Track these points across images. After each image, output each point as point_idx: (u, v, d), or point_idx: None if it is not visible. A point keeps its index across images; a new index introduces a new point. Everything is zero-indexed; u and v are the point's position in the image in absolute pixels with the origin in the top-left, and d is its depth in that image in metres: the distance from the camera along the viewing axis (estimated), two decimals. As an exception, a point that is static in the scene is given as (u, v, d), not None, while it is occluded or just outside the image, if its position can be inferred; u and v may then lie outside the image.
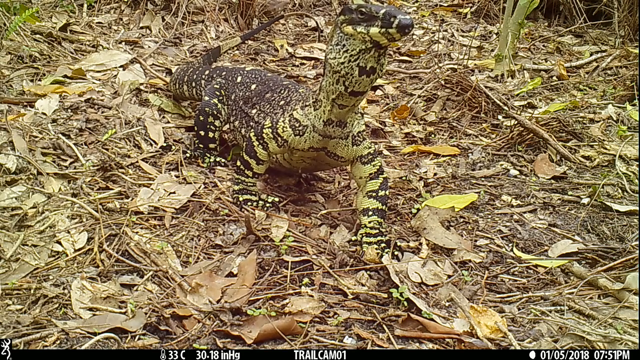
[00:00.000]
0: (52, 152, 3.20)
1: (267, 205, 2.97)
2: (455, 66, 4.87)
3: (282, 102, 3.08)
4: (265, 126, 2.90)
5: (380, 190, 2.82)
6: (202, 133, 3.45)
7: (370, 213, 2.79)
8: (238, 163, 2.99)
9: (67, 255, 2.57)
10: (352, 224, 2.95)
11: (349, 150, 2.83)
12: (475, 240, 2.89)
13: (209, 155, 3.42)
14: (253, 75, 3.47)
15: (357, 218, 2.91)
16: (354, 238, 2.80)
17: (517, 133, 3.75)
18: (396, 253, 2.70)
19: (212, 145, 3.47)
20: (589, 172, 3.48)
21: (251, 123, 3.23)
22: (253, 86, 3.35)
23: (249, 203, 2.97)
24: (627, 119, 3.96)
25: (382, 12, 2.33)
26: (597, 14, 5.79)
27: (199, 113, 3.45)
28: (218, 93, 3.45)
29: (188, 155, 3.41)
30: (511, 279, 2.65)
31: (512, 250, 2.83)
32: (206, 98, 3.46)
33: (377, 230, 2.76)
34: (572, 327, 2.25)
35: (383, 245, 2.70)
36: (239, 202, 2.98)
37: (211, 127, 3.44)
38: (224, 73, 3.63)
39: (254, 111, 3.26)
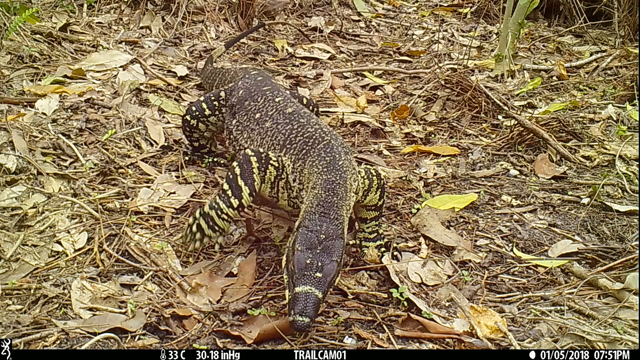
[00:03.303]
0: (52, 152, 3.20)
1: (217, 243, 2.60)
2: (455, 66, 4.87)
3: (257, 115, 2.87)
4: (271, 162, 2.56)
5: (378, 201, 2.72)
6: (191, 142, 3.38)
7: (369, 220, 2.77)
8: (225, 187, 2.53)
9: (67, 255, 2.58)
10: (355, 221, 2.95)
11: None
12: (475, 240, 2.89)
13: (207, 156, 3.40)
14: (246, 80, 3.28)
15: (355, 220, 2.90)
16: (352, 242, 2.80)
17: (517, 133, 3.75)
18: (395, 254, 2.70)
19: (203, 150, 3.40)
20: (589, 172, 3.48)
21: (230, 136, 3.03)
22: (241, 92, 3.17)
23: (198, 242, 2.58)
24: (627, 119, 3.96)
25: (294, 292, 2.10)
26: (597, 14, 5.79)
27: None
28: (213, 98, 3.26)
29: (187, 158, 3.38)
30: (511, 279, 2.65)
31: (512, 250, 2.83)
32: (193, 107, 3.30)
33: (376, 234, 2.76)
34: (572, 327, 2.25)
35: (383, 249, 2.71)
36: (194, 226, 2.59)
37: (194, 133, 3.30)
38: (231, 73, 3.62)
39: (234, 121, 3.04)
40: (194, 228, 2.58)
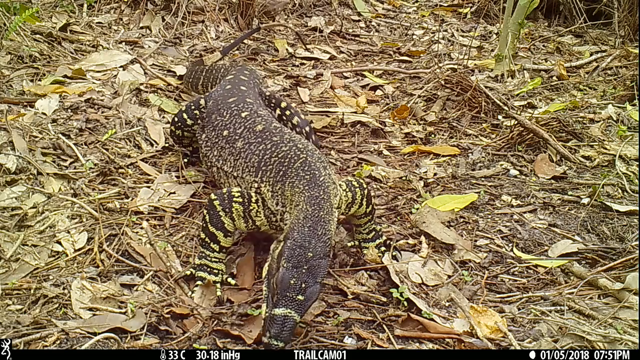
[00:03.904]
0: (52, 152, 3.20)
1: (218, 289, 2.46)
2: (455, 66, 4.87)
3: (225, 132, 2.81)
4: (234, 199, 2.49)
5: (367, 209, 2.67)
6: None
7: (363, 224, 2.74)
8: (202, 235, 2.53)
9: (67, 255, 2.58)
10: (351, 225, 2.95)
11: None
12: (475, 240, 2.89)
13: None
14: (217, 89, 3.23)
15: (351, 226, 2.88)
16: (349, 244, 2.79)
17: (517, 133, 3.75)
18: (394, 253, 2.70)
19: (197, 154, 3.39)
20: (589, 172, 3.48)
21: (201, 151, 3.01)
22: (210, 103, 3.09)
23: (199, 282, 2.48)
24: (627, 119, 3.96)
25: (272, 313, 2.05)
26: (597, 14, 5.79)
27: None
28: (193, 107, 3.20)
29: (187, 160, 3.38)
30: (511, 279, 2.65)
31: (512, 250, 2.83)
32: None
33: (374, 233, 2.76)
34: (572, 327, 2.25)
35: (383, 249, 2.71)
36: (191, 274, 2.52)
37: (184, 140, 3.31)
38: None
39: (203, 136, 2.99)
40: (198, 281, 2.48)
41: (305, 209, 2.29)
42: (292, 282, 2.07)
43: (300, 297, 2.06)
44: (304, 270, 2.10)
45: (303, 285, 2.07)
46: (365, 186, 2.63)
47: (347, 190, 2.57)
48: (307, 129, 3.27)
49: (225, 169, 2.75)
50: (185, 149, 3.39)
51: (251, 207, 2.49)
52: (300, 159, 2.49)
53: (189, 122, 3.16)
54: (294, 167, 2.46)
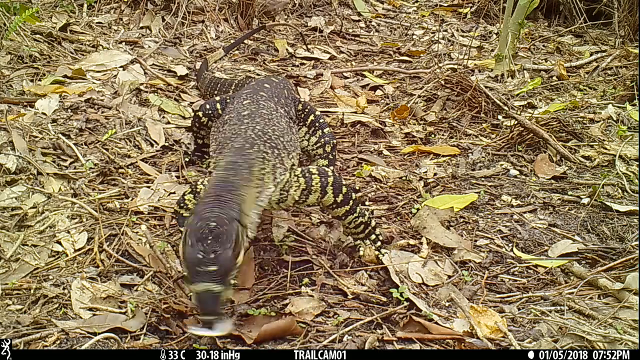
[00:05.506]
0: (52, 152, 3.20)
1: None
2: (455, 66, 4.87)
3: (226, 117, 2.84)
4: (185, 193, 2.59)
5: (336, 199, 2.53)
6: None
7: (343, 216, 2.62)
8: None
9: (67, 255, 2.58)
10: (338, 223, 2.93)
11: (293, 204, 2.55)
12: (475, 240, 2.89)
13: (208, 156, 3.40)
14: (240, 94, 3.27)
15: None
16: (344, 244, 2.78)
17: (517, 133, 3.75)
18: (385, 252, 2.65)
19: (204, 149, 3.39)
20: (589, 172, 3.48)
21: (210, 141, 3.00)
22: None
23: None
24: (627, 119, 3.96)
25: (194, 292, 2.01)
26: (597, 14, 5.79)
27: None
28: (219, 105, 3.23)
29: (187, 160, 3.38)
30: (511, 279, 2.65)
31: (512, 250, 2.83)
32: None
33: (363, 225, 2.65)
34: (572, 327, 2.25)
35: (379, 244, 2.69)
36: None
37: (202, 130, 3.30)
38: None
39: (213, 128, 3.00)
40: None
41: (218, 174, 2.26)
42: (199, 256, 1.98)
43: (212, 267, 1.97)
44: (209, 241, 1.99)
45: (212, 256, 1.98)
46: (329, 175, 2.50)
47: (300, 176, 2.50)
48: (333, 142, 3.24)
49: (211, 153, 2.76)
50: (197, 140, 3.38)
51: (198, 189, 2.55)
52: (246, 135, 2.49)
53: (220, 113, 3.11)
54: (236, 140, 2.47)
